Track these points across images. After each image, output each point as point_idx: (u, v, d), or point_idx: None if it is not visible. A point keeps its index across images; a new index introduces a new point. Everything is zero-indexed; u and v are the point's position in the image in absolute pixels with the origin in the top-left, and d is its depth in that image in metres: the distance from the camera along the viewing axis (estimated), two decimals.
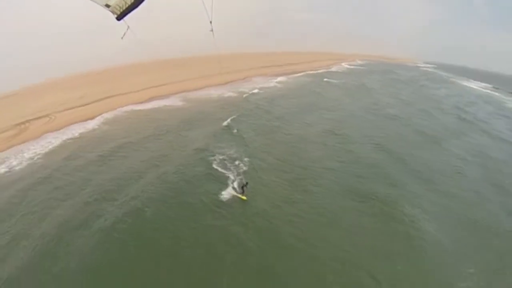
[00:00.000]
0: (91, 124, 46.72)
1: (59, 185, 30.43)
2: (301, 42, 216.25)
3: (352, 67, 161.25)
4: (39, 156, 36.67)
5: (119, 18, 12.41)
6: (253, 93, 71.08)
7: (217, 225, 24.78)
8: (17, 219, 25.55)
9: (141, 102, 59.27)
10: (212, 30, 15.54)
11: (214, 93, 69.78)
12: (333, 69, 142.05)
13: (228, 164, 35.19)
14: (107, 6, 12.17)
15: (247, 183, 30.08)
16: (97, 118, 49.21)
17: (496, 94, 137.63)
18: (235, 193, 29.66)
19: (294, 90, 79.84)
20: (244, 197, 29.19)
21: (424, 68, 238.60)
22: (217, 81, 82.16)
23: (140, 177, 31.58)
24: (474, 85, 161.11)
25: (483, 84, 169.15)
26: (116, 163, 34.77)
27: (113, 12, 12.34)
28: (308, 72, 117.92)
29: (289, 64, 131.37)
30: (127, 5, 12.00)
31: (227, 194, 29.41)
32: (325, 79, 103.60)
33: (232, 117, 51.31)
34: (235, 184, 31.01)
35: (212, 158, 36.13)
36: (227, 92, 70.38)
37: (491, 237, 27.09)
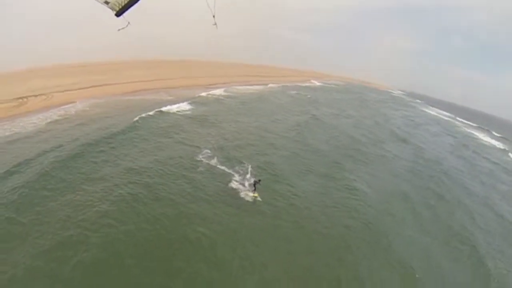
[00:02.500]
0: (81, 105, 52.19)
1: (52, 139, 36.35)
2: (288, 59, 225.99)
3: (323, 85, 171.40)
4: (40, 124, 41.81)
5: (118, 14, 12.53)
6: (221, 94, 79.39)
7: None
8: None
9: (129, 93, 65.93)
10: (215, 24, 15.54)
11: (196, 92, 75.86)
12: (305, 84, 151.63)
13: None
14: (106, 3, 12.25)
15: (259, 180, 30.06)
16: (85, 101, 54.60)
17: (449, 119, 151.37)
18: (248, 191, 29.88)
19: (254, 95, 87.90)
20: (256, 194, 29.30)
21: (395, 94, 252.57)
22: (203, 82, 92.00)
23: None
24: (433, 111, 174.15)
25: (442, 112, 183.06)
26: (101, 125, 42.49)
27: (112, 9, 12.42)
28: (283, 84, 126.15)
29: (271, 76, 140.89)
30: (126, 1, 12.08)
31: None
32: (291, 91, 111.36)
33: (192, 103, 61.16)
34: (247, 182, 31.64)
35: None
36: (204, 93, 76.42)
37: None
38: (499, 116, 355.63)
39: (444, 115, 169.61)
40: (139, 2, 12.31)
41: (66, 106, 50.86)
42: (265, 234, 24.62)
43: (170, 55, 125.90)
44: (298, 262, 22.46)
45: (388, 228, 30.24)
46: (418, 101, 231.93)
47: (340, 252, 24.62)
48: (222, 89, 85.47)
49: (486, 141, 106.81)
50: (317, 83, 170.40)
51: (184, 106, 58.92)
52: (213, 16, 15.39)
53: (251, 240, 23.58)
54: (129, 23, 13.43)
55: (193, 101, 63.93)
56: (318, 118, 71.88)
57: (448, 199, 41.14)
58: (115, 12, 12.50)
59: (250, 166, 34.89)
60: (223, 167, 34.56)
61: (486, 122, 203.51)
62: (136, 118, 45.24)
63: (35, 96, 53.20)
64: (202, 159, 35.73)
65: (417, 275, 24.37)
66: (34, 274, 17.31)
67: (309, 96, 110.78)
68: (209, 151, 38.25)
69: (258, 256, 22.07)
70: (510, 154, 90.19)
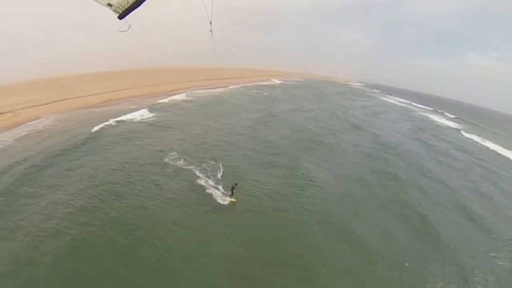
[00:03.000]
0: (48, 120, 51.94)
1: (22, 153, 36.77)
2: (249, 60, 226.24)
3: (283, 82, 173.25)
4: (9, 140, 41.82)
5: (121, 17, 12.30)
6: (183, 99, 79.61)
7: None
8: None
9: (93, 105, 65.51)
10: (211, 31, 15.38)
11: (158, 99, 75.82)
12: (265, 83, 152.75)
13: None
14: (109, 5, 12.02)
15: (236, 184, 29.84)
16: (51, 116, 54.27)
17: (406, 106, 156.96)
18: (225, 196, 29.77)
19: (215, 98, 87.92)
20: (234, 199, 29.32)
21: (354, 86, 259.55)
22: (166, 89, 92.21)
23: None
24: (391, 99, 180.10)
25: (399, 99, 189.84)
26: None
27: (115, 11, 12.19)
28: (243, 84, 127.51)
29: (231, 78, 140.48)
30: (129, 4, 11.93)
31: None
32: (252, 91, 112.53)
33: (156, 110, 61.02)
34: (210, 180, 32.77)
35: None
36: (167, 99, 76.86)
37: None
38: (453, 98, 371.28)
39: (401, 102, 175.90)
40: (142, 5, 12.00)
41: (33, 122, 50.84)
42: (235, 228, 25.69)
43: (134, 65, 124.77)
44: (267, 247, 23.77)
45: (347, 209, 31.77)
46: (376, 91, 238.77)
47: (305, 235, 26.04)
48: (184, 94, 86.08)
49: (441, 123, 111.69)
50: (277, 81, 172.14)
51: (148, 114, 59.35)
52: (210, 23, 15.28)
53: (221, 234, 24.67)
54: (130, 26, 13.13)
55: (156, 108, 64.38)
56: (276, 115, 73.11)
57: (403, 179, 42.64)
58: (117, 15, 12.10)
59: (216, 164, 36.64)
60: (189, 167, 35.69)
61: (442, 105, 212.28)
62: (98, 129, 46.02)
63: (1, 113, 53.20)
64: (169, 162, 36.85)
65: (376, 249, 25.69)
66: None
67: (267, 94, 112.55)
68: (175, 153, 39.49)
69: (231, 247, 23.28)
70: (463, 132, 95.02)
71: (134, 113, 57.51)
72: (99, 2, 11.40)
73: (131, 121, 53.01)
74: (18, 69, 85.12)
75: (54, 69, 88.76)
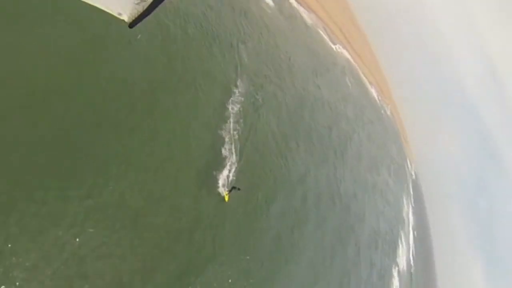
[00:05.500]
0: None
1: None
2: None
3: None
4: None
5: (131, 26, 11.74)
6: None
7: None
8: None
9: None
10: None
11: None
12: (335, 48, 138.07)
13: None
14: (119, 14, 11.21)
15: (239, 189, 27.60)
16: None
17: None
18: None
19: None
20: (227, 198, 28.03)
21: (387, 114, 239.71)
22: None
23: None
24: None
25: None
26: None
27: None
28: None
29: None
30: (139, 13, 11.03)
31: None
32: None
33: None
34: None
35: None
36: None
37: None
38: None
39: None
40: (151, 14, 10.49)
41: None
42: None
43: None
44: None
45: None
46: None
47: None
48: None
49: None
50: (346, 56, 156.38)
51: None
52: None
53: None
54: (140, 35, 13.97)
55: None
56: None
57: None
58: (128, 24, 11.67)
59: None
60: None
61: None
62: None
63: None
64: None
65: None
66: None
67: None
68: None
69: None
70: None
71: None
72: (109, 11, 10.55)
73: None
74: None
75: None
